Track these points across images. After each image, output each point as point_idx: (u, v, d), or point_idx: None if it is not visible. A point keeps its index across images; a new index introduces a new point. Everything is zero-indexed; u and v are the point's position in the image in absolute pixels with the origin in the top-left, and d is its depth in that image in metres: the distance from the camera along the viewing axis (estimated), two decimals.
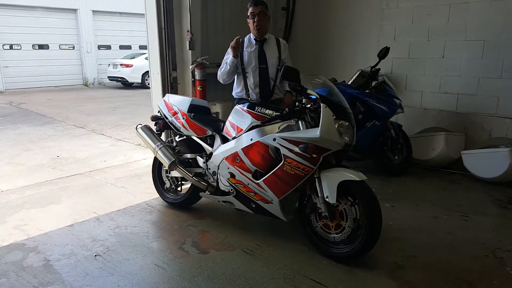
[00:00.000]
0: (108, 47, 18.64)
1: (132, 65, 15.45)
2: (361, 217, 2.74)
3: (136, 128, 3.82)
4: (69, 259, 2.85)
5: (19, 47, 15.93)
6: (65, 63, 17.14)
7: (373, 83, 4.82)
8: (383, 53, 4.69)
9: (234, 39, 3.50)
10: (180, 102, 3.64)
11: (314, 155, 2.69)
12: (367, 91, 4.72)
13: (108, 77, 16.72)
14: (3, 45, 15.41)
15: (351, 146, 2.84)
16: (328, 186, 2.73)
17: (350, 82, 5.13)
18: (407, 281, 2.61)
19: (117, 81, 16.42)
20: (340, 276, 2.66)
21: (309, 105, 2.86)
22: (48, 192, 4.21)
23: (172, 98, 3.76)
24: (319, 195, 2.78)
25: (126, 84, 16.25)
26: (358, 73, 5.16)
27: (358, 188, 2.74)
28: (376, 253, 2.90)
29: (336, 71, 5.90)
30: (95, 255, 2.90)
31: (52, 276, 2.64)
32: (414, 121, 5.49)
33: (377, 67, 4.80)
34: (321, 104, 2.70)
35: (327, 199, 2.73)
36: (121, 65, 15.76)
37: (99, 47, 18.30)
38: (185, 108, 3.55)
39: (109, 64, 16.52)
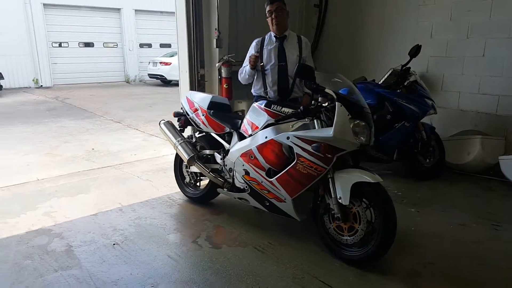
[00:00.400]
0: (149, 45, 19.21)
1: (170, 63, 15.82)
2: (376, 221, 2.66)
3: (159, 123, 3.91)
4: (89, 246, 3.00)
5: (66, 45, 16.75)
6: (108, 60, 17.87)
7: (405, 83, 4.65)
8: (415, 51, 4.51)
9: (252, 58, 3.54)
10: (201, 99, 3.68)
11: (327, 155, 2.63)
12: (398, 90, 4.56)
13: (148, 74, 17.20)
14: (52, 43, 16.25)
15: (368, 147, 2.76)
16: (341, 187, 2.66)
17: (381, 81, 4.97)
18: None
19: (157, 78, 16.85)
20: (350, 279, 2.59)
21: (325, 104, 2.80)
22: (79, 182, 4.42)
23: (194, 95, 3.81)
24: (332, 196, 2.71)
25: (165, 82, 16.66)
26: (390, 72, 4.98)
27: (373, 191, 2.65)
28: (393, 258, 2.81)
29: (369, 69, 5.74)
30: (114, 244, 3.03)
31: (71, 261, 2.79)
32: (450, 123, 5.23)
33: (408, 66, 4.62)
34: (336, 102, 2.64)
35: (340, 200, 2.66)
36: (160, 63, 16.14)
37: (141, 45, 18.91)
38: (205, 105, 3.59)
39: (149, 62, 16.98)
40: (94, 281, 2.53)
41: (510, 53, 4.69)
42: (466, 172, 4.75)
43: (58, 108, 10.32)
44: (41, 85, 15.74)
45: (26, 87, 15.37)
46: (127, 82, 18.16)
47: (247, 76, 3.69)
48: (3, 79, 12.94)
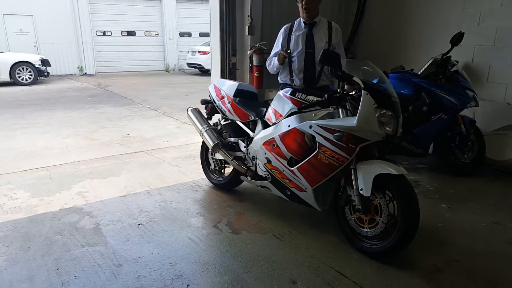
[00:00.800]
0: (189, 34, 19.43)
1: (208, 52, 15.90)
2: (398, 214, 2.57)
3: (187, 110, 3.96)
4: (116, 225, 3.13)
5: (110, 34, 17.30)
6: (149, 49, 18.30)
7: (446, 73, 4.41)
8: (456, 39, 4.28)
9: (281, 56, 3.50)
10: (227, 86, 3.69)
11: (350, 145, 2.56)
12: (439, 81, 4.34)
13: (187, 63, 17.36)
14: (96, 32, 16.83)
15: (395, 138, 2.66)
16: (363, 178, 2.59)
17: (421, 71, 4.76)
18: (442, 286, 2.40)
19: (195, 67, 16.97)
20: (368, 271, 2.53)
21: (352, 92, 2.72)
22: (112, 166, 4.58)
23: (221, 83, 3.83)
24: (354, 187, 2.65)
25: (202, 71, 16.79)
26: (430, 61, 4.74)
27: (397, 183, 2.56)
28: (415, 253, 2.72)
29: (409, 58, 5.49)
30: (139, 224, 3.14)
31: (98, 238, 2.92)
32: (494, 117, 4.90)
33: (448, 55, 4.39)
34: (362, 90, 2.56)
35: (361, 192, 2.60)
36: (199, 52, 16.24)
37: (181, 34, 19.17)
38: (231, 93, 3.59)
39: (188, 51, 17.15)
40: (117, 258, 2.65)
41: None
42: (508, 169, 4.49)
43: (99, 95, 10.71)
44: (85, 73, 16.40)
45: (71, 74, 16.07)
46: (166, 71, 18.53)
47: (275, 69, 3.69)
48: (50, 66, 13.56)
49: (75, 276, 2.44)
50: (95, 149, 5.29)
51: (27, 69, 12.59)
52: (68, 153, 5.10)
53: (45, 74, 13.08)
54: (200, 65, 16.33)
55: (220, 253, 2.74)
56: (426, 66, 4.59)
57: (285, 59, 3.53)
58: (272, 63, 3.67)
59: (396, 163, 2.59)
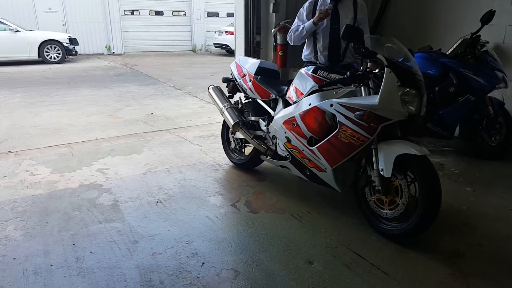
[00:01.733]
0: (217, 15, 19.31)
1: None
2: (419, 196, 2.51)
3: (208, 88, 3.96)
4: (134, 202, 3.15)
5: (138, 13, 17.36)
6: (176, 29, 18.30)
7: (475, 53, 4.23)
8: (487, 17, 4.09)
9: (327, 8, 3.29)
10: (249, 64, 3.65)
11: (371, 124, 2.50)
12: (467, 61, 4.17)
13: (214, 44, 17.32)
14: (124, 11, 16.93)
15: (418, 118, 2.58)
16: (384, 159, 2.53)
17: (450, 50, 4.58)
18: (462, 270, 2.34)
19: (221, 48, 16.91)
20: (386, 254, 2.50)
21: (375, 70, 2.64)
22: (134, 143, 4.64)
23: (243, 60, 3.78)
24: (375, 167, 2.60)
25: (229, 51, 16.70)
26: (460, 41, 4.56)
27: (419, 164, 2.49)
28: (436, 236, 2.68)
29: (437, 37, 5.31)
30: (157, 202, 3.16)
31: (116, 214, 2.95)
32: None
33: (478, 34, 4.20)
34: (386, 68, 2.48)
35: (382, 173, 2.54)
36: (226, 32, 16.13)
37: (208, 14, 19.07)
38: (252, 71, 3.55)
39: (215, 31, 17.08)
40: (134, 234, 2.67)
41: None
42: None
43: (125, 74, 10.83)
44: (113, 52, 16.59)
45: (99, 54, 16.29)
46: (193, 51, 18.54)
47: (304, 33, 3.46)
48: (78, 44, 13.77)
49: (91, 252, 2.47)
50: (118, 127, 5.37)
51: (55, 47, 12.81)
52: (92, 130, 5.19)
53: (73, 52, 13.29)
54: (227, 45, 16.23)
55: (237, 232, 2.74)
56: (455, 46, 4.42)
57: (326, 16, 3.31)
58: (301, 27, 3.47)
59: (419, 143, 2.52)
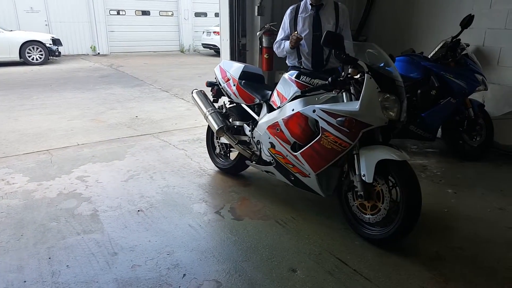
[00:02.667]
0: (205, 15, 19.23)
1: None
2: (400, 200, 2.53)
3: (192, 92, 3.93)
4: (114, 211, 3.09)
5: (124, 13, 17.18)
6: (163, 29, 18.16)
7: (455, 56, 4.30)
8: (466, 21, 4.16)
9: (294, 39, 3.33)
10: (233, 68, 3.63)
11: (352, 130, 2.52)
12: (448, 64, 4.23)
13: (202, 44, 17.25)
14: (109, 11, 16.73)
15: (399, 123, 2.61)
16: (365, 164, 2.55)
17: (432, 53, 4.65)
18: (443, 273, 2.38)
19: (210, 48, 16.84)
20: (369, 259, 2.52)
21: (357, 76, 2.66)
22: (116, 149, 4.57)
23: (227, 64, 3.77)
24: (356, 172, 2.62)
25: (217, 52, 16.62)
26: (441, 44, 4.65)
27: (399, 169, 2.51)
28: (419, 239, 2.72)
29: (422, 41, 5.39)
30: (138, 210, 3.11)
31: (95, 225, 2.89)
32: (504, 101, 4.80)
33: (458, 38, 4.27)
34: (366, 74, 2.50)
35: (363, 178, 2.56)
36: (214, 32, 16.01)
37: (196, 14, 18.98)
38: (236, 75, 3.54)
39: (203, 32, 17.01)
40: (113, 246, 2.61)
41: None
42: None
43: (110, 76, 10.72)
44: (98, 53, 16.40)
45: (84, 54, 16.09)
46: (181, 52, 18.44)
47: (284, 53, 3.59)
48: (62, 45, 13.56)
49: (67, 266, 2.40)
50: (101, 132, 5.29)
51: (37, 48, 12.61)
52: (73, 135, 5.10)
53: (57, 53, 13.10)
54: (215, 45, 16.09)
55: (220, 240, 2.71)
56: (436, 49, 4.50)
57: (298, 42, 3.37)
58: (282, 46, 3.56)
59: (399, 148, 2.55)
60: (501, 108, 4.74)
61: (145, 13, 17.73)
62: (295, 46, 3.43)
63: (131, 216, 3.01)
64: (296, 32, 3.39)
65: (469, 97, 4.21)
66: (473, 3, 4.98)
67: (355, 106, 2.49)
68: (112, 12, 16.88)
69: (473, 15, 4.18)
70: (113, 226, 2.87)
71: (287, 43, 3.46)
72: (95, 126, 5.60)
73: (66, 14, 15.64)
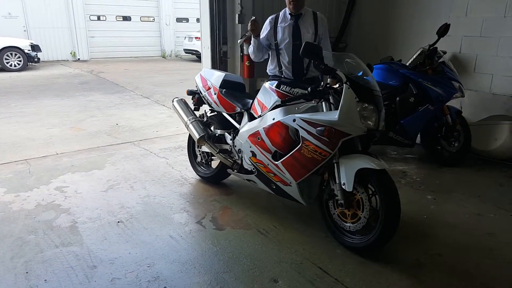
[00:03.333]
0: (186, 20, 19.15)
1: None
2: (380, 209, 2.56)
3: (173, 101, 3.92)
4: (94, 223, 3.04)
5: (104, 18, 16.98)
6: (145, 34, 17.98)
7: (433, 63, 4.38)
8: (442, 30, 4.27)
9: (250, 22, 3.35)
10: (214, 77, 3.64)
11: (332, 139, 2.54)
12: (426, 72, 4.31)
13: (184, 49, 17.19)
14: (90, 16, 16.51)
15: (377, 132, 2.65)
16: (345, 173, 2.58)
17: (410, 61, 4.74)
18: (422, 281, 2.41)
19: (192, 53, 16.78)
20: (350, 267, 2.53)
21: (335, 86, 2.69)
22: (96, 158, 4.50)
23: (208, 73, 3.77)
24: (337, 181, 2.64)
25: (199, 57, 16.60)
26: (419, 51, 4.75)
27: (378, 178, 2.54)
28: (399, 247, 2.74)
29: (400, 48, 5.49)
30: (118, 222, 3.06)
31: (74, 237, 2.83)
32: (481, 107, 4.93)
33: (435, 46, 4.36)
34: (344, 84, 2.53)
35: (343, 187, 2.58)
36: (196, 38, 15.95)
37: (178, 19, 18.88)
38: (217, 84, 3.54)
39: (185, 37, 16.98)
40: (92, 259, 2.56)
41: None
42: (493, 159, 4.51)
43: (91, 82, 10.57)
44: (78, 58, 16.14)
45: (64, 60, 15.81)
46: (163, 57, 18.31)
47: (252, 49, 3.52)
48: (41, 51, 13.32)
49: (45, 280, 2.34)
50: (81, 140, 5.21)
51: (16, 54, 12.35)
52: (52, 144, 5.00)
53: (36, 59, 12.86)
54: (197, 51, 16.03)
55: (201, 251, 2.69)
56: (414, 56, 4.59)
57: (257, 26, 3.35)
58: (251, 45, 3.52)
59: (378, 157, 2.58)
60: (478, 114, 4.86)
61: (126, 18, 17.55)
62: (256, 32, 3.39)
63: (111, 228, 2.97)
64: (253, 18, 3.37)
65: (446, 103, 4.29)
66: (450, 11, 5.11)
67: (334, 116, 2.51)
68: (92, 18, 16.65)
69: (449, 24, 4.28)
70: (92, 238, 2.82)
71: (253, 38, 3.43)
72: (74, 134, 5.51)
73: (46, 20, 15.35)
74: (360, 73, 2.73)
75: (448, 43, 4.76)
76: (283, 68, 3.50)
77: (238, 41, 5.15)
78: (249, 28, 3.39)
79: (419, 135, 4.51)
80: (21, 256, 2.60)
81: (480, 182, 3.99)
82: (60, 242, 2.76)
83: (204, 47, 5.43)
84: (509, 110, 4.69)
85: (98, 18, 16.80)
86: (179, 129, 5.79)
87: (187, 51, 16.95)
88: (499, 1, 4.65)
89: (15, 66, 12.35)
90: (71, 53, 16.09)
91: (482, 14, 4.83)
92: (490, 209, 3.38)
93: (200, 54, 15.72)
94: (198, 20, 18.76)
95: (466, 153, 4.45)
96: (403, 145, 4.38)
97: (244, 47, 5.12)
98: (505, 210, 3.37)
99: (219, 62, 5.41)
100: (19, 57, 12.43)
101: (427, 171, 4.31)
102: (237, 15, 5.07)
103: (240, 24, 5.12)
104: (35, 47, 12.85)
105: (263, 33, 3.48)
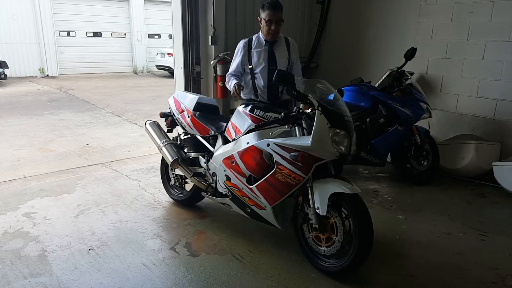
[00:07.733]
0: (158, 36, 19.11)
1: None
2: (353, 232, 2.60)
3: (145, 123, 3.87)
4: (64, 251, 2.94)
5: (74, 34, 16.70)
6: (116, 50, 17.78)
7: (401, 85, 4.53)
8: (410, 53, 4.43)
9: (234, 90, 3.33)
10: (187, 100, 3.62)
11: (305, 164, 2.57)
12: (393, 93, 4.45)
13: (156, 65, 17.15)
14: (59, 32, 16.21)
15: (349, 156, 2.70)
16: (319, 197, 2.60)
17: (379, 82, 4.89)
18: None
19: (164, 69, 16.76)
20: None
21: (308, 111, 2.73)
22: (65, 181, 4.37)
23: (181, 95, 3.76)
24: (311, 205, 2.66)
25: (172, 73, 16.51)
26: (387, 73, 4.93)
27: (351, 202, 2.58)
28: (373, 268, 2.78)
29: (369, 69, 5.67)
30: (89, 249, 2.97)
31: (43, 267, 2.73)
32: (448, 127, 5.13)
33: (403, 69, 4.52)
34: (316, 110, 2.58)
35: (317, 211, 2.61)
36: (168, 54, 15.94)
37: (150, 35, 18.82)
38: (191, 106, 3.53)
39: (157, 53, 16.92)
40: None
41: (509, 56, 4.57)
42: (461, 177, 4.67)
43: (60, 100, 10.33)
44: (47, 75, 15.76)
45: (32, 76, 15.40)
46: (135, 73, 18.14)
47: (230, 93, 3.49)
48: (8, 67, 12.97)
49: None
50: (50, 162, 5.06)
51: None
52: (19, 167, 4.85)
53: (2, 76, 12.55)
54: (170, 67, 15.97)
55: (176, 279, 2.63)
56: (383, 78, 4.74)
57: (239, 92, 3.36)
58: (229, 84, 3.49)
59: (350, 181, 2.62)
60: (446, 133, 5.05)
61: (97, 34, 17.33)
62: (237, 96, 3.40)
63: (81, 256, 2.87)
64: (238, 86, 3.37)
65: (415, 124, 4.43)
66: (416, 33, 5.31)
67: (307, 141, 2.55)
68: (62, 34, 16.35)
69: (416, 48, 4.45)
70: (62, 267, 2.73)
71: (234, 82, 3.43)
72: (43, 155, 5.35)
73: (13, 35, 14.96)
74: (331, 96, 2.77)
75: (416, 64, 4.93)
76: (259, 92, 3.54)
77: (212, 62, 5.18)
78: (233, 93, 3.37)
79: (389, 155, 4.62)
80: None
81: (449, 201, 4.11)
82: (29, 272, 2.66)
83: (177, 67, 5.42)
84: (474, 129, 4.90)
85: (68, 34, 16.52)
86: (151, 149, 5.69)
87: (159, 67, 16.94)
88: (462, 26, 4.88)
89: None
90: (39, 69, 15.70)
91: (446, 37, 5.05)
92: (459, 228, 3.48)
93: (172, 70, 15.73)
94: (170, 36, 18.79)
95: (435, 171, 4.58)
96: (374, 164, 4.47)
97: (218, 68, 5.15)
98: (473, 228, 3.47)
99: (192, 82, 5.39)
100: None
101: (398, 189, 4.41)
102: (210, 37, 5.10)
103: (213, 46, 5.15)
104: (1, 63, 12.55)
105: (237, 58, 3.51)
